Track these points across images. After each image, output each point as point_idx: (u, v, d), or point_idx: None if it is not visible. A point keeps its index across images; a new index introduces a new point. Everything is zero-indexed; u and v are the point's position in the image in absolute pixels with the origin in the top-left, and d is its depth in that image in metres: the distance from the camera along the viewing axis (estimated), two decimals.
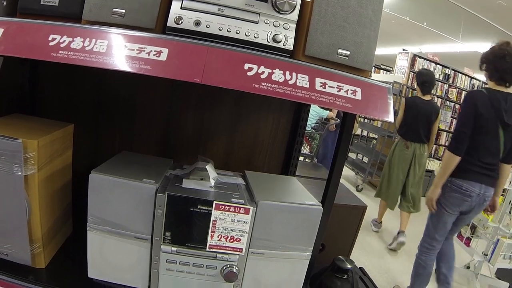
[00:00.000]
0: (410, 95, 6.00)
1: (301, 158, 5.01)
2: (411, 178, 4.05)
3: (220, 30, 0.78)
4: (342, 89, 0.77)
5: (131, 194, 0.93)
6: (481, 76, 8.76)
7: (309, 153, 5.29)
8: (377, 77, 7.59)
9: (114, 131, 1.45)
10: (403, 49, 6.66)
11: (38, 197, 0.96)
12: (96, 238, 0.96)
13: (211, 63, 0.71)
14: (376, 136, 6.25)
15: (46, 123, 1.07)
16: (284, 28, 0.81)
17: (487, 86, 2.49)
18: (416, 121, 3.88)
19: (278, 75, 0.73)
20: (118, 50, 0.72)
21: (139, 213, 0.93)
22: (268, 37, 0.80)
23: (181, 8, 0.78)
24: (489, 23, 6.65)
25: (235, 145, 1.52)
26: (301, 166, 1.88)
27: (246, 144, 1.52)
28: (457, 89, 6.91)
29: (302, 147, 5.14)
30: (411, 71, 6.21)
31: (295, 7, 0.82)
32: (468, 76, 6.99)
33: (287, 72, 0.74)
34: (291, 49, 0.83)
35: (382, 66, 9.24)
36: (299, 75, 0.75)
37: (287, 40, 0.81)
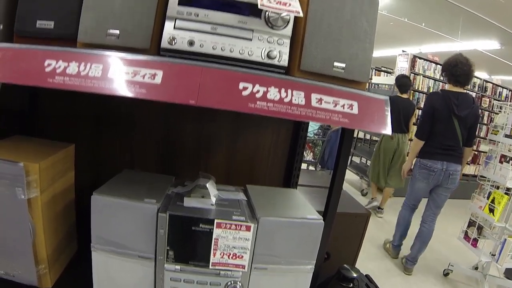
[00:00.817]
0: (411, 97, 6.03)
1: (304, 165, 5.05)
2: (395, 161, 4.88)
3: (214, 49, 0.77)
4: (339, 104, 0.76)
5: (133, 214, 0.92)
6: (482, 75, 8.73)
7: (312, 160, 5.28)
8: (378, 79, 7.53)
9: (114, 146, 1.45)
10: (403, 51, 6.59)
11: (42, 219, 0.96)
12: (100, 258, 0.95)
13: (206, 83, 0.70)
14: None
15: (47, 145, 1.07)
16: (278, 44, 0.80)
17: (446, 88, 3.32)
18: (398, 115, 4.64)
19: (273, 93, 0.72)
20: (113, 74, 0.71)
21: (142, 232, 0.93)
22: (263, 54, 0.79)
23: (174, 28, 0.77)
24: (487, 20, 6.61)
25: (236, 156, 1.51)
26: (304, 174, 1.87)
27: (247, 156, 1.51)
28: None
29: (305, 154, 5.15)
30: (411, 73, 6.15)
31: (288, 22, 0.81)
32: None
33: (283, 90, 0.73)
34: (286, 65, 0.82)
35: (383, 68, 9.19)
36: (294, 92, 0.73)
37: (282, 56, 0.80)
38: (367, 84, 0.91)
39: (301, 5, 0.79)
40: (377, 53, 11.83)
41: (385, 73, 8.80)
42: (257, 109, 0.70)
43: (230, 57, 0.78)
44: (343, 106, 0.76)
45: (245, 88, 0.71)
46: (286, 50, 0.81)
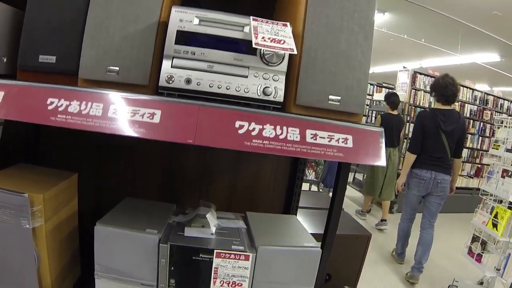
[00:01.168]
0: (412, 113, 6.03)
1: (306, 185, 5.05)
2: (388, 174, 5.10)
3: (210, 87, 0.78)
4: (333, 138, 0.76)
5: (135, 244, 0.93)
6: (483, 87, 8.70)
7: (314, 179, 5.30)
8: (380, 96, 7.46)
9: (117, 173, 1.45)
10: (404, 67, 6.59)
11: (46, 247, 0.96)
12: (104, 285, 0.96)
13: (203, 123, 0.71)
14: None
15: (51, 174, 1.08)
16: (274, 80, 0.81)
17: (435, 106, 3.63)
18: (390, 130, 4.89)
19: (268, 131, 0.73)
20: (113, 114, 0.73)
21: (144, 261, 0.93)
22: (258, 91, 0.80)
23: (171, 67, 0.78)
24: (486, 33, 6.62)
25: (237, 182, 1.51)
26: (305, 196, 1.86)
27: (248, 182, 1.51)
28: (460, 102, 6.75)
29: (307, 173, 5.15)
30: (412, 88, 6.09)
31: (283, 58, 0.82)
32: (470, 88, 6.86)
33: (278, 127, 0.74)
34: (282, 101, 0.82)
35: (384, 84, 9.16)
36: (289, 129, 0.74)
37: (277, 92, 0.81)
38: (368, 103, 0.91)
39: (296, 40, 0.80)
40: (378, 69, 11.83)
41: (387, 89, 8.79)
42: (253, 147, 0.71)
43: (227, 95, 0.79)
44: (338, 140, 0.76)
45: (241, 127, 0.72)
46: (281, 86, 0.82)
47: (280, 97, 0.82)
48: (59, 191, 1.02)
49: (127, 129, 0.71)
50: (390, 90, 6.35)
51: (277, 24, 0.81)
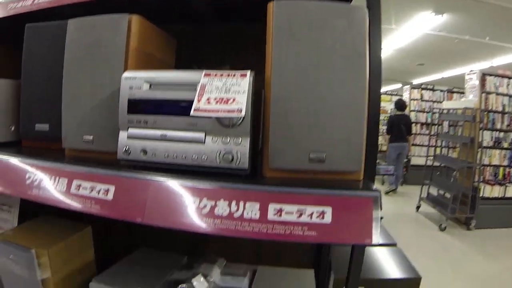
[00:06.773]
0: (485, 119, 5.18)
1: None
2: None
3: (166, 157, 0.68)
4: (305, 213, 0.58)
5: None
6: None
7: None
8: (452, 104, 6.48)
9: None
10: (471, 70, 5.71)
11: None
12: None
13: (153, 199, 0.62)
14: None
15: (66, 227, 1.06)
16: (236, 144, 0.66)
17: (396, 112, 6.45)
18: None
19: (222, 208, 0.59)
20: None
21: None
22: (218, 158, 0.66)
23: (127, 138, 0.70)
24: None
25: None
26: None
27: None
28: None
29: None
30: (483, 92, 5.10)
31: (242, 118, 0.66)
32: None
33: (233, 203, 0.59)
34: (246, 167, 0.67)
35: (455, 90, 8.11)
36: (247, 204, 0.59)
37: (240, 157, 0.66)
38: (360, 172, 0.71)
39: (267, 90, 0.66)
40: (447, 73, 10.64)
41: (459, 94, 7.79)
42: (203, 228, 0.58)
43: (184, 165, 0.68)
44: (310, 215, 0.59)
45: (190, 204, 0.60)
46: (245, 150, 0.66)
47: (243, 163, 0.66)
48: (69, 244, 1.01)
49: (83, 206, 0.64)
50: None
51: (234, 76, 0.66)
